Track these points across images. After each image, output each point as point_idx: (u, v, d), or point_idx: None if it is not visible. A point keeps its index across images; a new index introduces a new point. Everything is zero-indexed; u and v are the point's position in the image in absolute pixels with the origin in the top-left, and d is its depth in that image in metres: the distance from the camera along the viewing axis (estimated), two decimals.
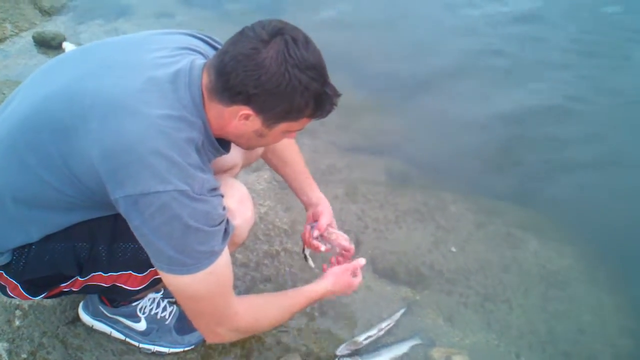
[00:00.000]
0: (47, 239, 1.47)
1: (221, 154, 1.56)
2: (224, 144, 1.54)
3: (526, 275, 2.59)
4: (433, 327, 2.28)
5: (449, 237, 2.76)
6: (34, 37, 4.37)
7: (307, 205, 2.09)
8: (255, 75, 1.33)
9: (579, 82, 4.09)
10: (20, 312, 2.00)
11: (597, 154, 3.37)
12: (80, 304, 1.97)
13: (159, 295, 1.97)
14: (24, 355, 1.88)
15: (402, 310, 2.30)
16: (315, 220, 2.03)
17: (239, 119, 1.42)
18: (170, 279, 1.40)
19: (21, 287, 1.56)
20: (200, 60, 1.46)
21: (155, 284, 1.65)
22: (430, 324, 2.30)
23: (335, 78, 1.50)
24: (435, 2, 5.41)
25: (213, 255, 1.40)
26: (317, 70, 1.39)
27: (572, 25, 4.95)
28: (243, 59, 1.33)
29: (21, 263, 1.49)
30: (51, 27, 4.64)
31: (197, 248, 1.37)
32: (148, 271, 1.59)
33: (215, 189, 1.40)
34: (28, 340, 1.92)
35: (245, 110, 1.39)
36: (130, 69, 1.40)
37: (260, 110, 1.39)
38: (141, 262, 1.51)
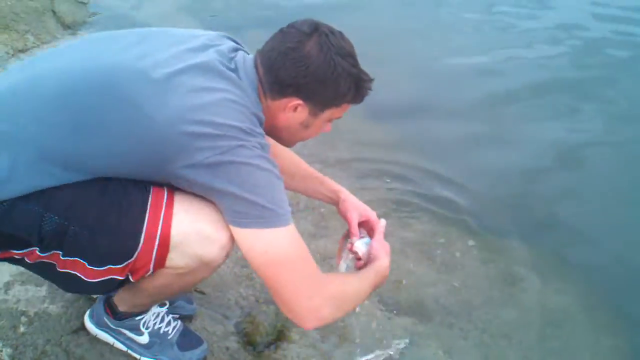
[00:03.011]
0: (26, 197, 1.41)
1: None
2: None
3: (526, 312, 2.60)
4: (433, 359, 2.30)
5: (453, 271, 2.78)
6: None
7: (331, 203, 2.08)
8: (304, 65, 1.48)
9: (590, 129, 4.11)
10: (26, 319, 2.02)
11: (603, 198, 3.39)
12: (87, 312, 2.00)
13: (164, 309, 1.99)
14: None
15: (405, 341, 2.31)
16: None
17: (288, 111, 1.57)
18: (265, 236, 1.42)
19: None
20: (249, 56, 1.58)
21: (113, 287, 1.60)
22: (430, 355, 2.31)
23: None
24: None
25: (290, 213, 1.46)
26: (354, 58, 1.56)
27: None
28: (290, 52, 1.49)
29: None
30: (72, 40, 4.74)
31: (282, 197, 1.45)
32: (107, 267, 1.51)
33: None
34: (32, 347, 1.94)
35: (295, 101, 1.54)
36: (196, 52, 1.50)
37: (309, 98, 1.54)
38: (101, 256, 1.49)
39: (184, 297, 2.17)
